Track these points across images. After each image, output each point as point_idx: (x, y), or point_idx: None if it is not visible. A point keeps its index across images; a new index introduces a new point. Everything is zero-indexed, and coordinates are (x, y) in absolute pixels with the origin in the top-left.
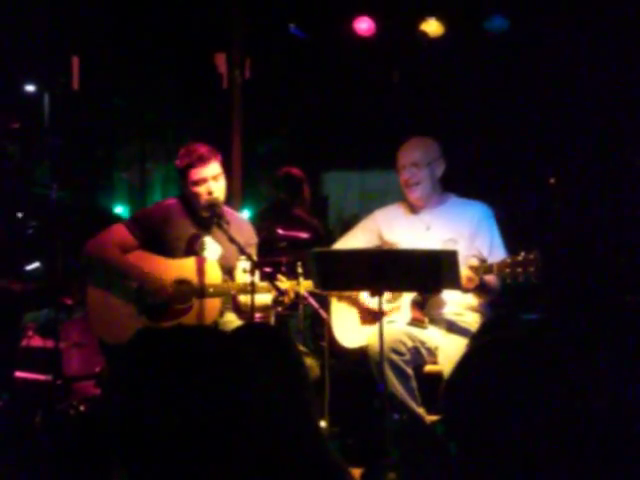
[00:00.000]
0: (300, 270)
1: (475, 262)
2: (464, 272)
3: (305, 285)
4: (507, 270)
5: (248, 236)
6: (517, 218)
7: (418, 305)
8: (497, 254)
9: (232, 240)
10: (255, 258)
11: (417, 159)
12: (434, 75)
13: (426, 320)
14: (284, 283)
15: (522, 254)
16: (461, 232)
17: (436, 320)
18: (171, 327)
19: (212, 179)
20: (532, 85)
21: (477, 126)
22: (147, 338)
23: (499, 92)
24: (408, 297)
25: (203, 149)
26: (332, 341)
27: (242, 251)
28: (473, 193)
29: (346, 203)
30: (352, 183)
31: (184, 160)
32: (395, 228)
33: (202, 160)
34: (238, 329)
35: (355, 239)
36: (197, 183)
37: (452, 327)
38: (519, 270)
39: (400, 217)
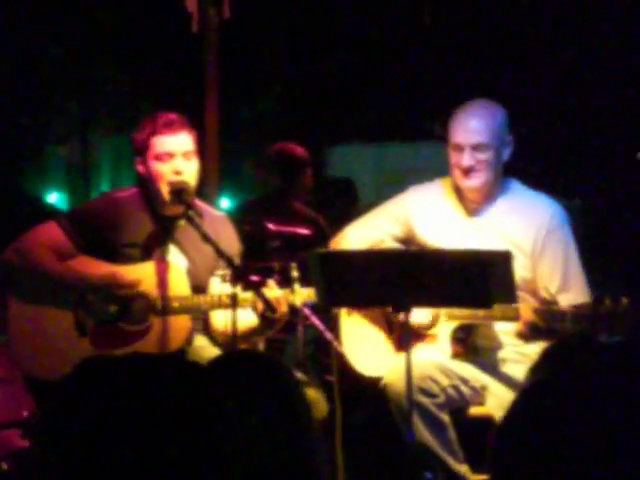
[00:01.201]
0: (295, 273)
1: (538, 303)
2: (525, 316)
3: (302, 294)
4: (584, 324)
5: (228, 242)
6: (592, 215)
7: (460, 340)
8: (573, 289)
9: (206, 239)
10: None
11: (485, 139)
12: (480, 16)
13: (471, 353)
14: (272, 291)
15: (607, 302)
16: (521, 245)
17: (484, 351)
18: (124, 356)
19: (181, 155)
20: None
21: (541, 90)
22: (92, 372)
23: (574, 39)
24: (447, 326)
25: (172, 115)
26: (344, 374)
27: (219, 253)
28: (534, 181)
29: (358, 188)
30: (366, 161)
31: (145, 128)
32: (432, 222)
33: (170, 127)
34: (215, 360)
35: (375, 227)
36: (161, 158)
37: (505, 360)
38: (601, 326)
39: (441, 208)
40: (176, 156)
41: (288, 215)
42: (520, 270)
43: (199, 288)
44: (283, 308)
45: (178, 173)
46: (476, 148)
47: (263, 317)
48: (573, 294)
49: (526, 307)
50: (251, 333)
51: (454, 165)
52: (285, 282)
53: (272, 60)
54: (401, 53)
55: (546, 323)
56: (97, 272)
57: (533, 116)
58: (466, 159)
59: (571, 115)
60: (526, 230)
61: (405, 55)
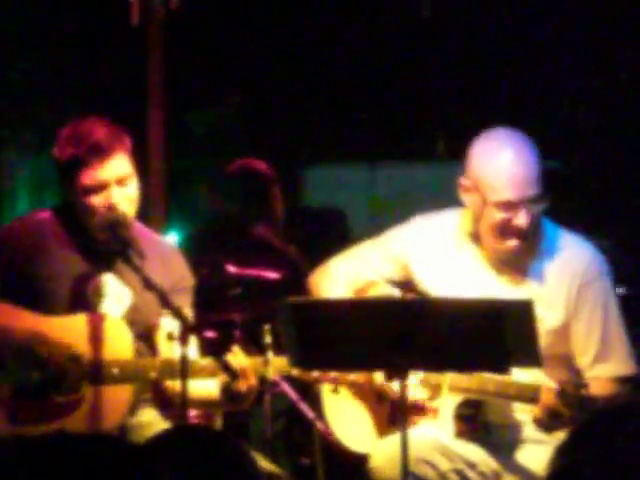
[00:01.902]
0: (267, 339)
1: (564, 382)
2: (546, 400)
3: (277, 364)
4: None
5: (178, 275)
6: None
7: (466, 417)
8: (615, 357)
9: (149, 285)
10: (189, 313)
11: (537, 190)
12: (491, 19)
13: (480, 432)
14: (237, 357)
15: None
16: (553, 298)
17: (497, 429)
18: (49, 435)
19: (116, 183)
20: None
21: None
22: (12, 455)
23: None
24: (450, 399)
25: (100, 133)
26: (326, 455)
27: (165, 302)
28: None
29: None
30: (353, 184)
31: (67, 150)
32: (441, 269)
33: (98, 153)
34: (158, 437)
35: (366, 265)
36: (90, 191)
37: (523, 440)
38: None
39: (451, 253)
40: (110, 186)
41: (253, 250)
42: (548, 329)
43: (146, 328)
44: (252, 381)
45: (112, 208)
46: (533, 202)
47: (226, 391)
48: (613, 363)
49: (548, 389)
50: (210, 404)
51: (497, 224)
52: (250, 341)
53: (232, 60)
54: (397, 54)
55: (571, 411)
56: (14, 325)
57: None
58: (525, 218)
59: (611, 142)
60: (558, 281)
61: (402, 57)
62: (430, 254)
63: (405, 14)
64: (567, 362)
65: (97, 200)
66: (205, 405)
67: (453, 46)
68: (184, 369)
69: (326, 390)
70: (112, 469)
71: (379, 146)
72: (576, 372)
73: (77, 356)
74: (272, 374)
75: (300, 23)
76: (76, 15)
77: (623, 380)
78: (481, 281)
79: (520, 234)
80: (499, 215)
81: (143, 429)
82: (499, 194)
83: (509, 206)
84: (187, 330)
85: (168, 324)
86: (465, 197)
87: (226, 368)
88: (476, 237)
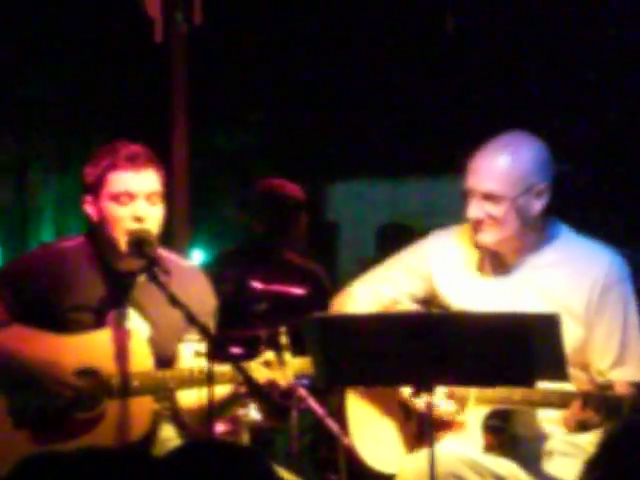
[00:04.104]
0: (284, 340)
1: (587, 387)
2: (572, 408)
3: (295, 366)
4: None
5: (201, 299)
6: None
7: (494, 429)
8: (631, 362)
9: (174, 302)
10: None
11: (497, 187)
12: (520, 23)
13: (508, 445)
14: (258, 367)
15: None
16: (571, 307)
17: (525, 442)
18: (73, 452)
19: (145, 197)
20: None
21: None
22: (37, 471)
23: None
24: (478, 412)
25: (138, 147)
26: (353, 472)
27: (191, 319)
28: (589, 228)
29: (366, 234)
30: (376, 201)
31: (102, 161)
32: (459, 279)
33: (133, 161)
34: (179, 450)
35: (389, 284)
36: (118, 199)
37: (551, 452)
38: None
39: (469, 261)
40: (138, 198)
41: (278, 268)
42: (570, 338)
43: (164, 360)
44: (283, 382)
45: (139, 220)
46: (487, 197)
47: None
48: (631, 368)
49: (573, 394)
50: (225, 406)
51: (466, 214)
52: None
53: (256, 77)
54: (418, 68)
55: (598, 414)
56: (34, 354)
57: (588, 149)
58: (472, 210)
59: (633, 148)
60: (578, 288)
61: (423, 71)
62: (450, 268)
63: (429, 30)
64: (584, 366)
65: (124, 211)
66: (224, 407)
67: (475, 61)
68: (210, 385)
69: (352, 408)
70: None
71: (402, 161)
72: (591, 374)
73: (94, 372)
74: (290, 376)
75: (325, 41)
76: (100, 34)
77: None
78: (494, 287)
79: (472, 226)
80: (465, 203)
81: (164, 446)
82: (464, 180)
83: (467, 194)
84: (213, 345)
85: (186, 352)
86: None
87: (246, 377)
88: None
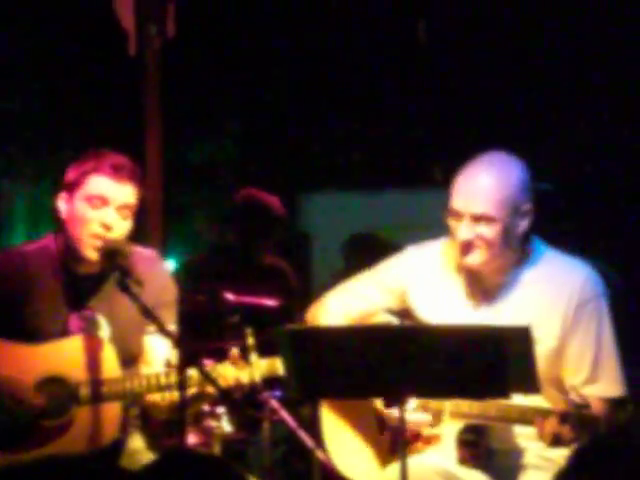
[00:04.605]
0: (250, 341)
1: (564, 406)
2: (548, 426)
3: (262, 366)
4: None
5: (159, 287)
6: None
7: (469, 443)
8: (604, 378)
9: (147, 314)
10: (173, 330)
11: (490, 209)
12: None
13: (483, 458)
14: (225, 368)
15: None
16: (549, 325)
17: (499, 455)
18: (36, 462)
19: (116, 207)
20: None
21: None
22: None
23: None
24: (452, 425)
25: (125, 160)
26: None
27: (164, 331)
28: (566, 243)
29: (340, 245)
30: (351, 213)
31: (85, 164)
32: (435, 297)
33: (117, 172)
34: (153, 464)
35: (362, 298)
36: (91, 201)
37: (525, 466)
38: None
39: (447, 279)
40: (110, 205)
41: (248, 269)
42: (545, 356)
43: (129, 357)
44: (244, 382)
45: (106, 227)
46: (478, 219)
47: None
48: (603, 384)
49: (550, 412)
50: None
51: (452, 235)
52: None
53: (229, 88)
54: (394, 77)
55: (574, 431)
56: None
57: (565, 166)
58: (463, 232)
59: (610, 165)
60: (554, 305)
61: (399, 80)
62: (423, 283)
63: (407, 42)
64: (558, 383)
65: (93, 214)
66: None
67: (449, 72)
68: (183, 395)
69: (326, 420)
70: None
71: (377, 174)
72: (565, 393)
73: (61, 379)
74: (257, 377)
75: (298, 51)
76: (74, 47)
77: (612, 402)
78: (464, 311)
79: (462, 248)
80: (452, 223)
81: (132, 457)
82: (451, 201)
83: (455, 215)
84: (185, 360)
85: (154, 343)
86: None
87: (210, 379)
88: (459, 266)
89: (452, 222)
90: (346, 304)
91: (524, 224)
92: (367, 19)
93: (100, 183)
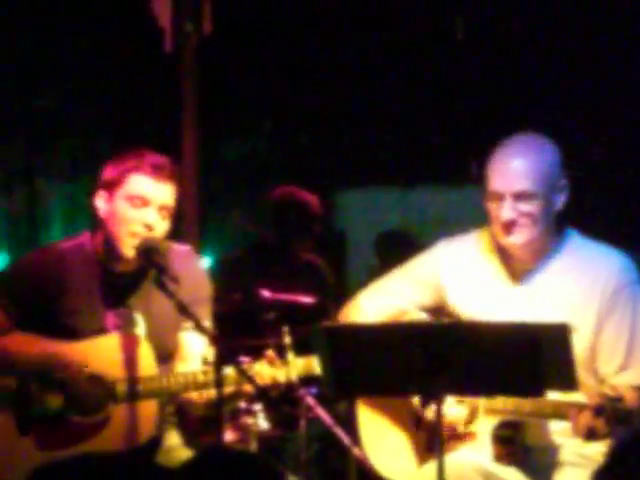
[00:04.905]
0: (287, 340)
1: (599, 399)
2: (583, 419)
3: (298, 366)
4: None
5: (194, 284)
6: None
7: (504, 439)
8: (636, 366)
9: (183, 311)
10: (209, 326)
11: (530, 185)
12: (533, 25)
13: (519, 455)
14: (262, 367)
15: None
16: (584, 313)
17: (535, 453)
18: (74, 460)
19: (157, 208)
20: None
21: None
22: None
23: None
24: (488, 422)
25: (163, 158)
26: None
27: (200, 328)
28: (598, 233)
29: (373, 243)
30: (386, 209)
31: (125, 162)
32: (469, 287)
33: (158, 171)
34: (191, 462)
35: (396, 294)
36: (132, 200)
37: (561, 463)
38: None
39: (481, 269)
40: (151, 206)
41: (285, 265)
42: (583, 346)
43: (165, 354)
44: (281, 381)
45: (147, 227)
46: (519, 197)
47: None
48: (636, 372)
49: (584, 406)
50: (226, 404)
51: (493, 218)
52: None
53: (266, 86)
54: (428, 73)
55: (608, 424)
56: (31, 351)
57: (595, 154)
58: (506, 211)
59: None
60: (590, 293)
61: (433, 76)
62: (458, 276)
63: (438, 37)
64: (593, 370)
65: (135, 214)
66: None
67: (484, 69)
68: (220, 393)
69: (362, 417)
70: None
71: (412, 169)
72: (600, 379)
73: (97, 376)
74: (294, 376)
75: (332, 48)
76: (112, 44)
77: None
78: (506, 295)
79: (505, 228)
80: (492, 207)
81: (168, 454)
82: (490, 184)
83: (496, 197)
84: (222, 357)
85: (190, 340)
86: (485, 203)
87: (247, 377)
88: (499, 248)
89: (492, 205)
90: (379, 302)
91: (561, 200)
92: (400, 15)
93: (141, 182)
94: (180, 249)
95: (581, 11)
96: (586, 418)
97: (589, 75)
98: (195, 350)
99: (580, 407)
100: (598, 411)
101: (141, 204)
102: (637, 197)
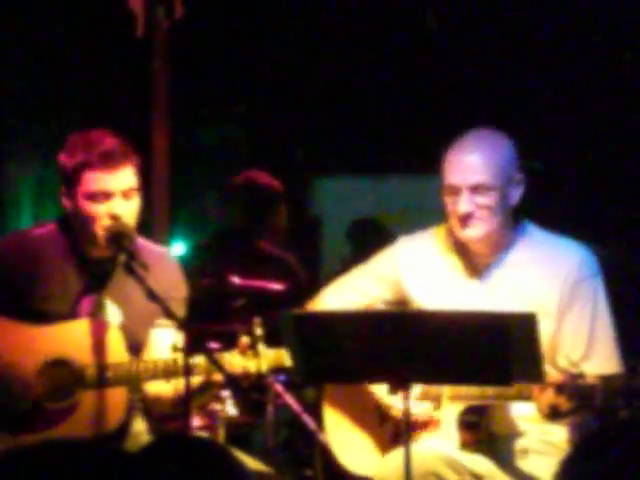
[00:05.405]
0: (258, 331)
1: (560, 377)
2: (545, 397)
3: (269, 357)
4: (618, 400)
5: (170, 285)
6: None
7: (470, 425)
8: (599, 355)
9: (152, 296)
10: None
11: (486, 178)
12: (505, 17)
13: (484, 442)
14: (232, 356)
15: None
16: (546, 304)
17: (501, 440)
18: (41, 444)
19: (121, 194)
20: None
21: (561, 113)
22: (10, 467)
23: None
24: (451, 408)
25: (112, 143)
26: (329, 467)
27: (168, 313)
28: (564, 225)
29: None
30: (360, 196)
31: (75, 156)
32: (430, 283)
33: (108, 161)
34: (150, 446)
35: (359, 291)
36: (93, 197)
37: (527, 450)
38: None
39: (440, 265)
40: (114, 196)
41: (256, 263)
42: (544, 336)
43: (135, 346)
44: (252, 372)
45: (115, 218)
46: (476, 190)
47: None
48: (598, 361)
49: (546, 385)
50: (195, 396)
51: (450, 212)
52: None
53: (237, 70)
54: (402, 60)
55: (570, 401)
56: (2, 348)
57: (552, 147)
58: (463, 204)
59: (599, 144)
60: (550, 285)
61: (408, 64)
62: (418, 271)
63: (413, 27)
64: (554, 363)
65: (100, 209)
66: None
67: (455, 58)
68: (188, 379)
69: (328, 413)
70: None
71: (387, 158)
72: (561, 371)
73: (67, 362)
74: (264, 367)
75: (306, 34)
76: (81, 27)
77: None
78: (467, 290)
79: (462, 221)
80: (449, 201)
81: (136, 440)
82: (446, 178)
83: (452, 190)
84: (191, 341)
85: (160, 337)
86: (442, 197)
87: (218, 365)
88: (457, 243)
89: (448, 199)
90: (343, 298)
91: (517, 193)
92: (376, 4)
93: (96, 179)
94: (157, 250)
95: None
96: (549, 396)
97: (556, 66)
98: (165, 345)
99: (542, 386)
100: (560, 388)
101: (104, 198)
102: (600, 190)
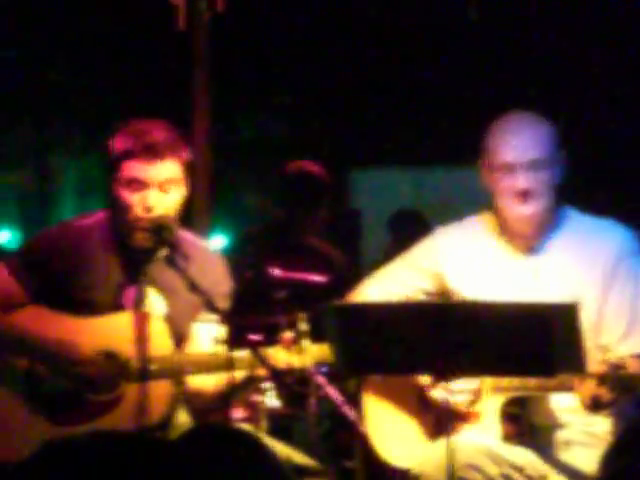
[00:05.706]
0: (303, 327)
1: (601, 367)
2: (587, 389)
3: (313, 353)
4: None
5: (214, 280)
6: None
7: (511, 417)
8: (638, 334)
9: (193, 288)
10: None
11: (542, 154)
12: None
13: (526, 434)
14: (276, 351)
15: None
16: (589, 286)
17: (543, 432)
18: (86, 437)
19: (157, 186)
20: None
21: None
22: (56, 455)
23: None
24: (494, 401)
25: (159, 135)
26: (370, 459)
27: (209, 305)
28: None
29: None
30: (399, 189)
31: (121, 143)
32: (473, 269)
33: (150, 151)
34: (187, 434)
35: (399, 283)
36: (129, 185)
37: (569, 442)
38: None
39: (485, 249)
40: (150, 187)
41: (298, 252)
42: (588, 319)
43: (178, 338)
44: (295, 369)
45: (148, 210)
46: (532, 166)
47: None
48: (637, 340)
49: (587, 376)
50: (237, 391)
51: (503, 191)
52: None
53: (278, 63)
54: (443, 53)
55: (612, 392)
56: (48, 334)
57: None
58: (522, 180)
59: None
60: (592, 266)
61: (449, 57)
62: (461, 261)
63: (454, 20)
64: (597, 343)
65: (134, 197)
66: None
67: (497, 51)
68: (230, 371)
69: (369, 405)
70: (145, 466)
71: (429, 149)
72: (603, 350)
73: (112, 354)
74: (309, 362)
75: (349, 27)
76: (124, 21)
77: None
78: (513, 270)
79: (521, 197)
80: (502, 179)
81: (179, 430)
82: (499, 157)
83: (506, 169)
84: (233, 332)
85: (201, 332)
86: (483, 178)
87: (262, 360)
88: (502, 228)
89: (501, 178)
90: (384, 290)
91: (561, 172)
92: None
93: (135, 168)
94: (201, 245)
95: None
96: (590, 387)
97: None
98: (207, 341)
99: (583, 377)
100: (602, 379)
101: (139, 187)
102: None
